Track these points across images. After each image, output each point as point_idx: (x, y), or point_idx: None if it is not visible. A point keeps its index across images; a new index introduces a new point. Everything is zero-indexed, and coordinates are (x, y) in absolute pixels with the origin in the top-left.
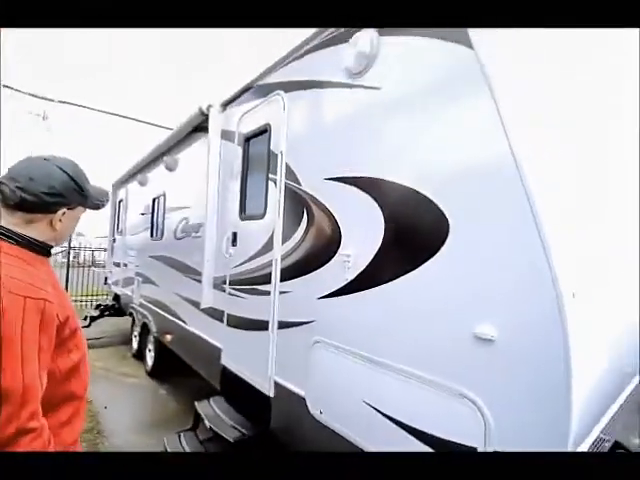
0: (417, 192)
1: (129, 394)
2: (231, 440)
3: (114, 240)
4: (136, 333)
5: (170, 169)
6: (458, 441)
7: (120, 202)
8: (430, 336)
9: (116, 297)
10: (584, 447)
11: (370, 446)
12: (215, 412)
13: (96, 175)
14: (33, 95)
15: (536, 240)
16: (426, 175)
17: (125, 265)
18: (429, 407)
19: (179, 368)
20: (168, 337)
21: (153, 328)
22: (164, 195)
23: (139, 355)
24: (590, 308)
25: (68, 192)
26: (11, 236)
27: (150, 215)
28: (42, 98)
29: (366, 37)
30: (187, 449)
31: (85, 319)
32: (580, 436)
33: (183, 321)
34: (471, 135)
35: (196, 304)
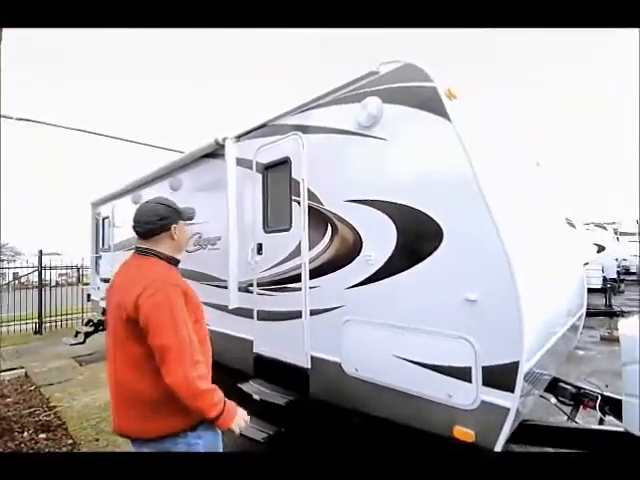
0: (419, 211)
1: None
2: (282, 404)
3: (99, 257)
4: None
5: (174, 189)
6: (459, 365)
7: (105, 219)
8: (435, 303)
9: (105, 312)
10: (534, 360)
11: (399, 383)
12: (259, 388)
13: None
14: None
15: (496, 239)
16: (424, 199)
17: None
18: (439, 349)
19: None
20: None
21: None
22: None
23: None
24: (535, 278)
25: (170, 214)
26: (156, 254)
27: None
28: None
29: (373, 102)
30: None
31: (76, 335)
32: (531, 353)
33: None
34: (452, 174)
35: (219, 307)
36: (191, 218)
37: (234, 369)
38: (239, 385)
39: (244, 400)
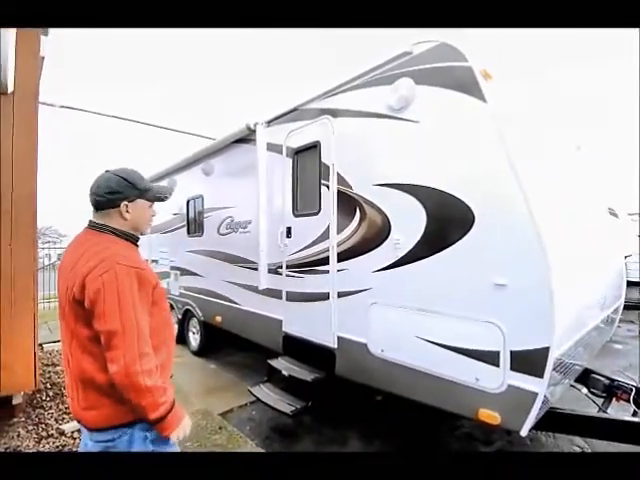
0: (451, 195)
1: (182, 370)
2: (309, 380)
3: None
4: (174, 320)
5: (207, 174)
6: (486, 349)
7: None
8: (463, 287)
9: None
10: (565, 348)
11: (425, 365)
12: (287, 365)
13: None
14: (66, 107)
15: (530, 225)
16: (457, 183)
17: (154, 261)
18: (466, 332)
19: (224, 346)
20: (219, 319)
21: (199, 313)
22: (201, 197)
23: (178, 339)
24: (569, 265)
25: (123, 188)
26: (112, 231)
27: (185, 214)
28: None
29: (405, 84)
30: (271, 394)
31: None
32: (562, 340)
33: (236, 303)
34: (486, 157)
35: (250, 287)
36: (161, 199)
37: (264, 346)
38: (269, 361)
39: (270, 374)
